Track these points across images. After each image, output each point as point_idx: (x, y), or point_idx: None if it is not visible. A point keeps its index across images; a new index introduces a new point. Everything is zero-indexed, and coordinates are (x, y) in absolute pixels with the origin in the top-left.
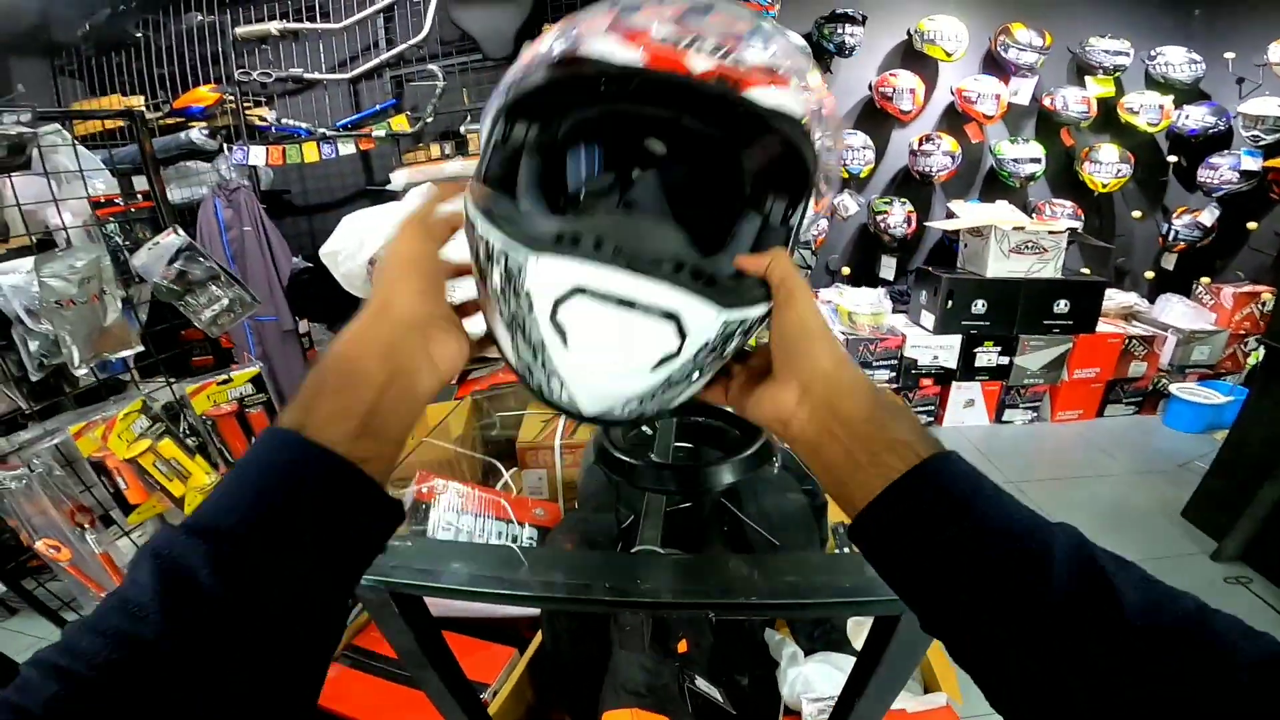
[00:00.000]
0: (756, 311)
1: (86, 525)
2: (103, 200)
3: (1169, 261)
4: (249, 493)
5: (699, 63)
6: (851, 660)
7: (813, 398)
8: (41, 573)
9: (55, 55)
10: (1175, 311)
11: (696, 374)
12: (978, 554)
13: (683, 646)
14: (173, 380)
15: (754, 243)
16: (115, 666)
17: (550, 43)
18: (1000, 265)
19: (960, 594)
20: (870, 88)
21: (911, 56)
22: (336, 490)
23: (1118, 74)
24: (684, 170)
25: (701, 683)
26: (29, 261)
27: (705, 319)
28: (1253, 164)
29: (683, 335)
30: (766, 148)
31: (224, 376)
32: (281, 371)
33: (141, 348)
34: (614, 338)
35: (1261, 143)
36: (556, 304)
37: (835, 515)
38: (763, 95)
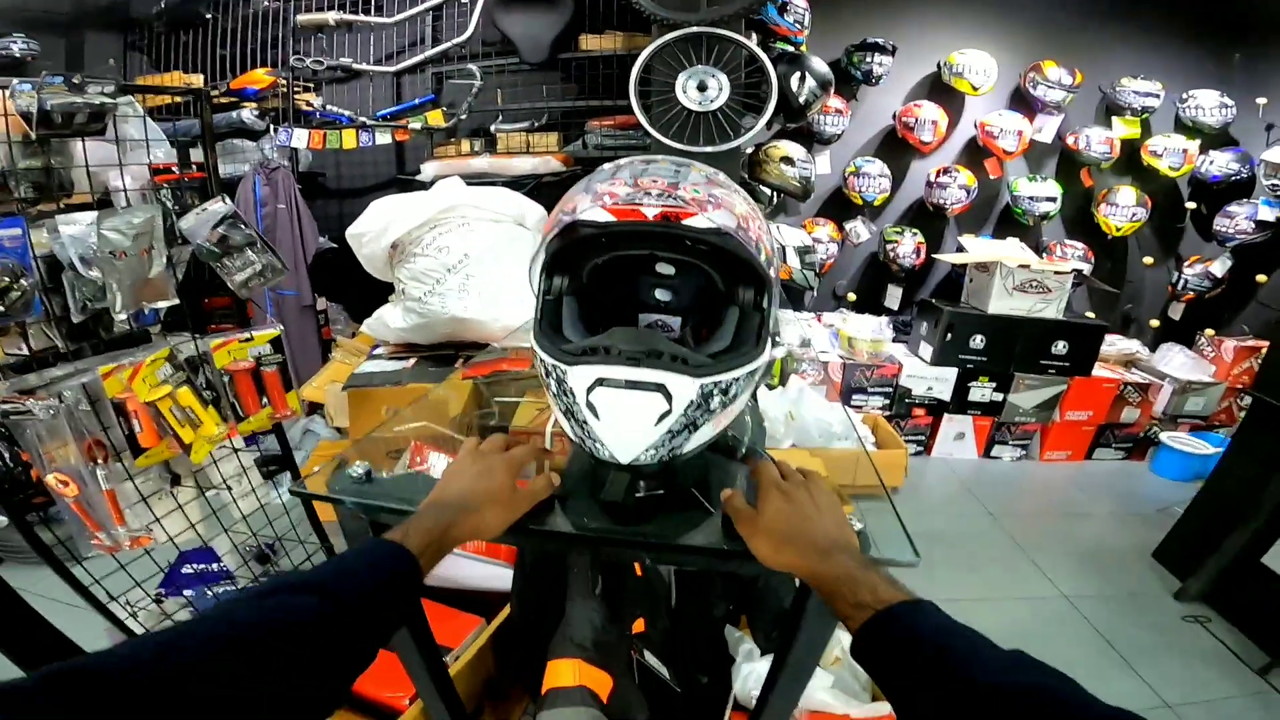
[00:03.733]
0: (728, 376)
1: (101, 460)
2: (161, 168)
3: (1176, 311)
4: (364, 572)
5: (650, 210)
6: None
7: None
8: (41, 510)
9: (129, 31)
10: (1175, 361)
11: (692, 426)
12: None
13: (639, 625)
14: (198, 335)
15: (737, 326)
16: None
17: (558, 216)
18: (1003, 302)
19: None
20: (894, 117)
21: (938, 88)
22: (411, 583)
23: (1146, 115)
24: (671, 285)
25: (651, 658)
26: (89, 215)
27: (684, 386)
28: (1269, 214)
29: (669, 398)
30: (715, 255)
31: (246, 335)
32: (296, 343)
33: (177, 300)
34: (625, 408)
35: None
36: (588, 392)
37: None
38: (697, 221)
